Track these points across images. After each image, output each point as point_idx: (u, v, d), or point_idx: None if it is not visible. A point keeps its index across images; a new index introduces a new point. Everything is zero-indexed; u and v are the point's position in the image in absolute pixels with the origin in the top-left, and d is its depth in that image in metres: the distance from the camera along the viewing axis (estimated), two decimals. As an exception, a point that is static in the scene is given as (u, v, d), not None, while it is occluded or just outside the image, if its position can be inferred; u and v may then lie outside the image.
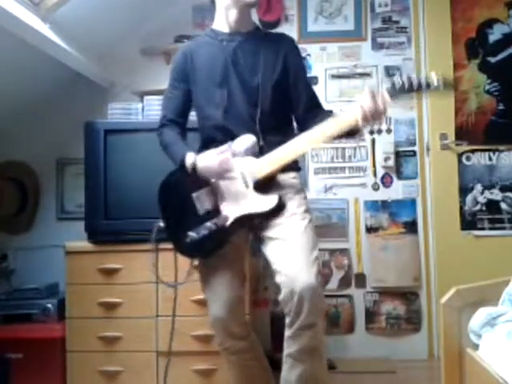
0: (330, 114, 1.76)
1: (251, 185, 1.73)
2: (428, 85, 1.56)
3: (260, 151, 1.75)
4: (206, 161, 1.74)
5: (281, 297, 1.61)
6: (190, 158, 1.76)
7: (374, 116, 1.55)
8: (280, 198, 1.71)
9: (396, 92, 1.57)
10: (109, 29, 2.81)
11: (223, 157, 1.72)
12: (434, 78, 1.56)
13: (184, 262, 1.91)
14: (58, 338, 2.41)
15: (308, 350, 1.60)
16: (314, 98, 1.92)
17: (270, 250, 1.71)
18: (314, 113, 1.83)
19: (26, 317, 2.47)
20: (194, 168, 1.75)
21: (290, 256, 1.64)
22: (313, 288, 1.56)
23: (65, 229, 2.89)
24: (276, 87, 1.83)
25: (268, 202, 1.71)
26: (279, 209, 1.71)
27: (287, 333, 1.63)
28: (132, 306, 2.37)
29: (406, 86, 1.56)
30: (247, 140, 1.74)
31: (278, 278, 1.63)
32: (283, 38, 1.94)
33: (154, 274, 2.00)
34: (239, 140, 1.75)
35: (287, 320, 1.61)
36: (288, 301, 1.58)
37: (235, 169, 1.74)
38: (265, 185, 1.74)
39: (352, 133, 1.65)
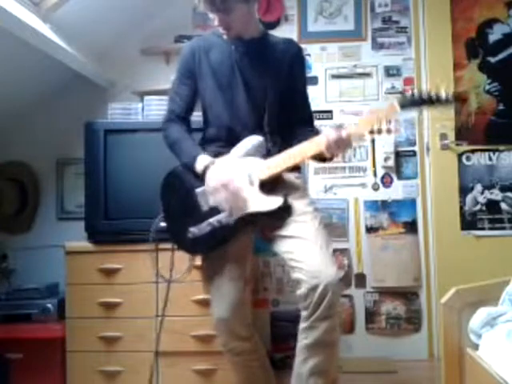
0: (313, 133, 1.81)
1: (257, 185, 1.73)
2: (438, 99, 1.60)
3: (267, 153, 1.76)
4: (215, 172, 1.73)
5: (300, 291, 1.60)
6: (204, 161, 1.75)
7: (339, 147, 1.64)
8: (285, 200, 1.70)
9: (406, 103, 1.62)
10: (109, 29, 2.81)
11: (232, 186, 1.71)
12: (443, 93, 1.60)
13: (184, 260, 1.92)
14: (57, 338, 2.41)
15: (323, 342, 1.60)
16: (308, 116, 1.95)
17: (286, 248, 1.70)
18: (304, 134, 1.84)
19: (25, 317, 2.47)
20: (205, 171, 1.74)
21: (309, 252, 1.64)
22: (336, 282, 1.58)
23: (65, 229, 2.89)
24: (282, 93, 1.85)
25: (273, 202, 1.70)
26: (285, 209, 1.71)
27: (303, 325, 1.62)
28: (132, 306, 2.37)
29: (416, 97, 1.61)
30: (255, 141, 1.76)
31: (298, 274, 1.62)
32: (291, 45, 1.94)
33: (154, 270, 2.00)
34: (247, 140, 1.76)
35: (304, 314, 1.61)
36: (309, 295, 1.57)
37: (232, 199, 1.72)
38: (270, 185, 1.74)
39: (322, 159, 1.75)
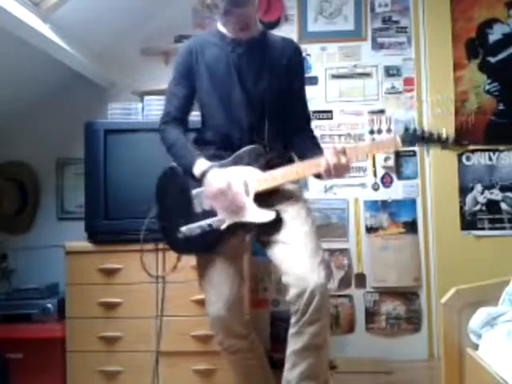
0: (314, 144, 1.83)
1: (252, 195, 1.73)
2: (439, 140, 1.64)
3: (266, 163, 1.75)
4: (215, 178, 1.70)
5: (289, 296, 1.61)
6: (202, 166, 1.73)
7: (337, 172, 1.64)
8: (277, 214, 1.71)
9: (408, 140, 1.65)
10: (109, 29, 2.81)
11: (231, 194, 1.70)
12: (445, 136, 1.65)
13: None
14: (58, 338, 2.41)
15: (311, 346, 1.60)
16: (306, 117, 1.95)
17: (276, 253, 1.71)
18: (302, 138, 1.87)
19: (25, 317, 2.47)
20: (203, 176, 1.72)
21: (297, 257, 1.64)
22: (323, 287, 1.58)
23: (65, 229, 2.90)
24: (281, 95, 1.84)
25: (265, 215, 1.71)
26: (276, 223, 1.71)
27: (292, 330, 1.63)
28: (132, 306, 2.37)
29: (419, 137, 1.65)
30: (255, 151, 1.75)
31: (286, 279, 1.63)
32: (289, 44, 1.92)
33: (144, 271, 2.01)
34: (246, 149, 1.75)
35: (293, 319, 1.62)
36: (297, 300, 1.58)
37: (231, 208, 1.72)
38: (265, 194, 1.74)
39: (319, 176, 1.74)
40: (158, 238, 1.91)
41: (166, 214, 1.84)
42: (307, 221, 1.75)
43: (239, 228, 1.76)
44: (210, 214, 1.75)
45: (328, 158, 1.63)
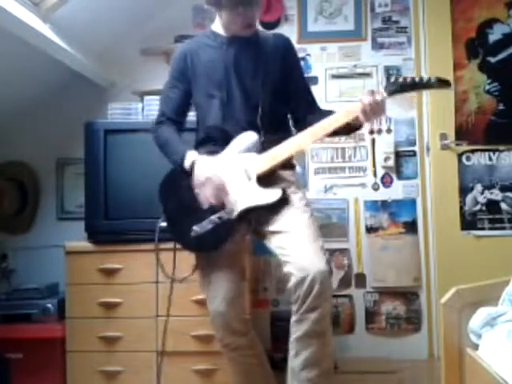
0: (330, 113, 1.80)
1: (254, 179, 1.75)
2: (422, 82, 1.65)
3: (262, 148, 1.78)
4: (201, 167, 1.76)
5: (290, 284, 1.62)
6: (192, 157, 1.77)
7: (374, 111, 1.65)
8: (284, 191, 1.73)
9: (392, 88, 1.67)
10: (109, 29, 2.81)
11: (217, 180, 1.74)
12: (426, 77, 1.66)
13: (183, 260, 1.92)
14: (58, 338, 2.41)
15: (312, 333, 1.61)
16: (312, 100, 1.99)
17: (276, 243, 1.72)
18: (315, 115, 1.87)
19: (25, 317, 2.47)
20: (192, 167, 1.76)
21: (298, 246, 1.66)
22: (324, 273, 1.59)
23: (65, 229, 2.89)
24: (276, 89, 1.87)
25: (272, 194, 1.72)
26: (283, 201, 1.73)
27: (293, 318, 1.64)
28: (132, 306, 2.37)
29: (401, 83, 1.66)
30: (250, 137, 1.78)
31: (288, 268, 1.64)
32: (280, 38, 1.96)
33: (162, 272, 2.01)
34: (242, 136, 1.78)
35: (294, 307, 1.63)
36: (298, 287, 1.60)
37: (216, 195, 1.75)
38: (267, 179, 1.76)
39: (351, 129, 1.76)
40: (161, 237, 1.92)
41: (175, 217, 1.85)
42: (306, 209, 1.78)
43: (248, 216, 1.77)
44: (218, 207, 1.76)
45: (362, 98, 1.65)
